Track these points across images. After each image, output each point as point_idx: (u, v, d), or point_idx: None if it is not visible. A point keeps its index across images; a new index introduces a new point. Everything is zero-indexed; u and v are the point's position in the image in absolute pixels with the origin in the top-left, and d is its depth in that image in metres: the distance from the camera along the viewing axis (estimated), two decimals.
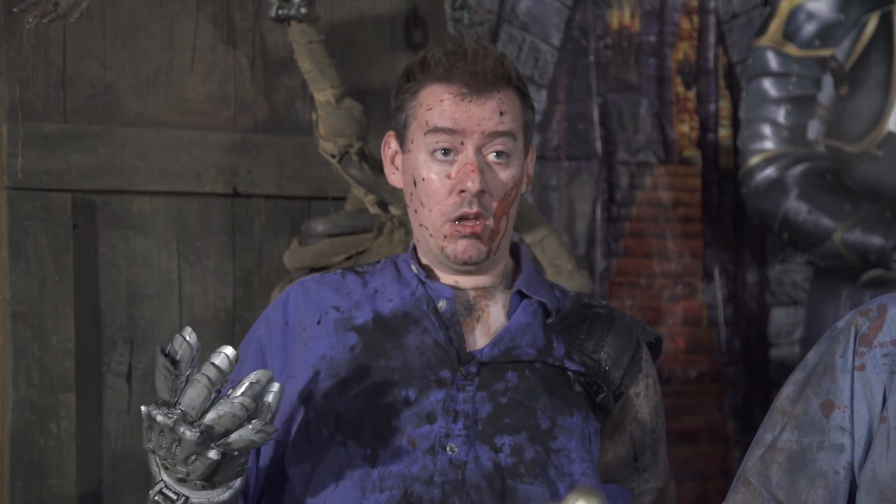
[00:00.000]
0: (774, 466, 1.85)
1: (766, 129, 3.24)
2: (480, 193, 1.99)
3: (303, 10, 2.61)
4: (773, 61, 3.23)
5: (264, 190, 2.84)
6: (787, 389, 1.90)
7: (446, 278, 2.08)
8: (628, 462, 2.07)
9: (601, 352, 2.06)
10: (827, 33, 3.23)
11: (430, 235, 2.03)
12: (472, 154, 1.99)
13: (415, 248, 2.11)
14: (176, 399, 1.77)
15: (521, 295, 2.08)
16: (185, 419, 1.76)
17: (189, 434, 1.75)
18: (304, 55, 2.66)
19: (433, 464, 1.92)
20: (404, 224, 2.70)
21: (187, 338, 1.81)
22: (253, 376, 1.79)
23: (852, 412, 1.82)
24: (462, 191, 1.99)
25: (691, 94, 3.28)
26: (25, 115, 2.62)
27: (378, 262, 2.15)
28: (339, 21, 2.92)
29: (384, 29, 2.98)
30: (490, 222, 2.01)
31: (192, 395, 1.77)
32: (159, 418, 1.76)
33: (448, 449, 1.93)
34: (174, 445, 1.76)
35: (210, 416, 1.76)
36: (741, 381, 3.27)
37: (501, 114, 2.00)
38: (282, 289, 2.71)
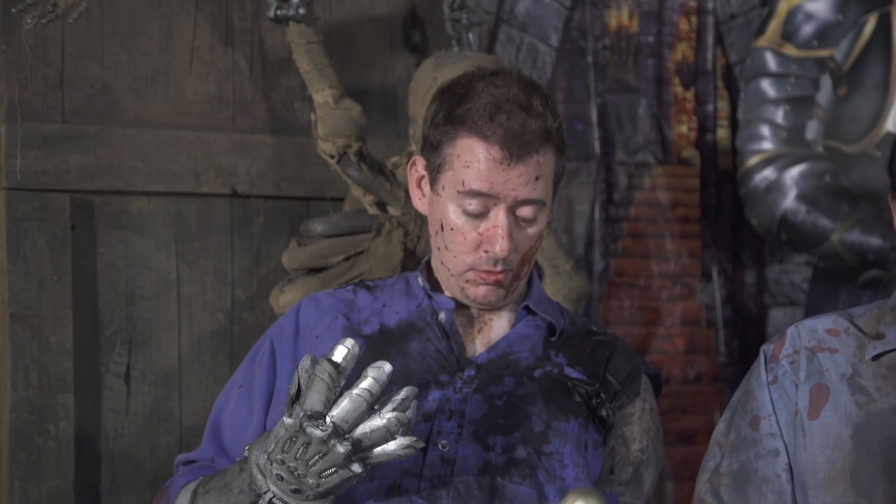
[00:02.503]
0: (723, 488, 1.96)
1: (765, 130, 3.24)
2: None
3: (301, 11, 2.61)
4: (771, 62, 3.23)
5: (263, 190, 2.84)
6: (719, 427, 2.04)
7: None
8: (603, 473, 2.06)
9: (601, 370, 2.08)
10: (825, 34, 3.23)
11: (451, 276, 2.05)
12: (503, 217, 1.98)
13: (428, 263, 2.14)
14: (328, 411, 1.74)
15: (528, 312, 2.10)
16: (337, 433, 1.73)
17: (341, 448, 1.72)
18: (303, 56, 2.66)
19: (423, 458, 1.94)
20: (403, 224, 2.70)
21: (351, 348, 1.77)
22: (405, 392, 1.77)
23: (777, 419, 1.97)
24: (487, 251, 1.99)
25: (690, 95, 3.28)
26: (24, 116, 2.62)
27: (391, 277, 2.18)
28: (337, 22, 2.92)
29: (383, 30, 2.98)
30: (513, 271, 2.03)
31: (350, 410, 1.74)
32: (314, 432, 1.72)
33: (439, 445, 1.95)
34: (316, 457, 1.74)
35: (361, 431, 1.74)
36: (739, 382, 3.27)
37: (537, 178, 1.98)
38: (281, 290, 2.71)
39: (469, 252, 2.01)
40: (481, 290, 2.03)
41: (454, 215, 2.00)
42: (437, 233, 2.05)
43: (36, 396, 2.61)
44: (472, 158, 1.97)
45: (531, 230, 2.02)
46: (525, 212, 2.00)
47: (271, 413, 2.07)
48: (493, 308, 2.10)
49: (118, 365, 2.71)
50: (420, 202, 2.09)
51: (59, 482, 2.63)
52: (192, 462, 2.12)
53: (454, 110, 1.99)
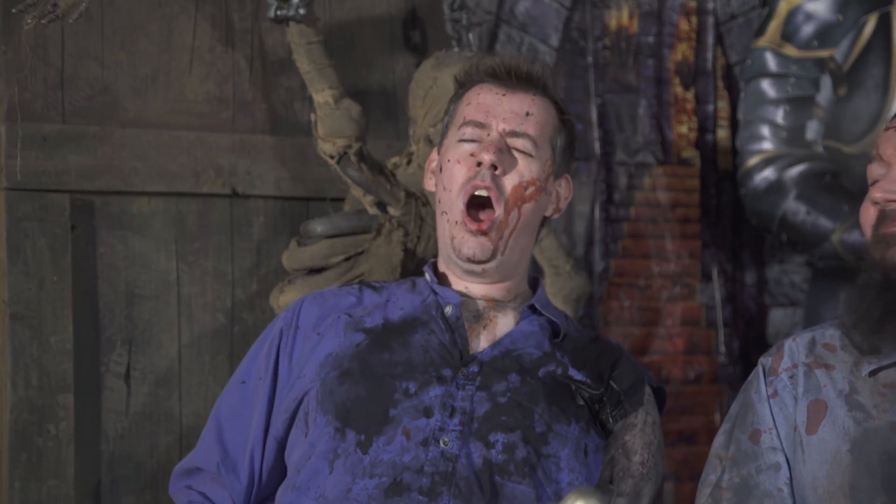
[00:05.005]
0: (724, 503, 1.95)
1: (765, 130, 3.24)
2: (493, 168, 2.06)
3: (301, 11, 2.61)
4: (771, 62, 3.23)
5: (263, 191, 2.84)
6: (719, 440, 2.03)
7: (458, 284, 2.12)
8: (602, 482, 2.06)
9: (605, 376, 2.08)
10: (825, 34, 3.23)
11: (447, 220, 2.10)
12: (494, 134, 2.09)
13: (434, 263, 2.16)
14: None
15: (533, 311, 2.11)
16: None
17: None
18: (303, 56, 2.66)
19: (425, 454, 1.94)
20: (403, 225, 2.70)
21: None
22: None
23: (778, 432, 1.96)
24: (479, 163, 2.07)
25: (690, 95, 3.28)
26: (24, 116, 2.62)
27: (395, 281, 2.22)
28: (337, 22, 2.92)
29: (383, 30, 2.98)
30: (499, 212, 2.07)
31: None
32: None
33: (441, 442, 1.95)
34: None
35: None
36: (740, 382, 3.27)
37: (528, 114, 2.10)
38: (281, 290, 2.71)
39: (462, 177, 2.08)
40: (470, 242, 2.07)
41: (453, 151, 2.11)
42: (439, 185, 2.12)
43: (36, 397, 2.61)
44: (473, 96, 2.13)
45: (522, 164, 2.09)
46: (517, 143, 2.10)
47: (273, 418, 2.07)
48: (499, 306, 2.10)
49: (118, 365, 2.71)
50: (429, 181, 2.18)
51: (59, 482, 2.63)
52: (196, 470, 2.11)
53: (464, 77, 2.18)
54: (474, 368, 2.02)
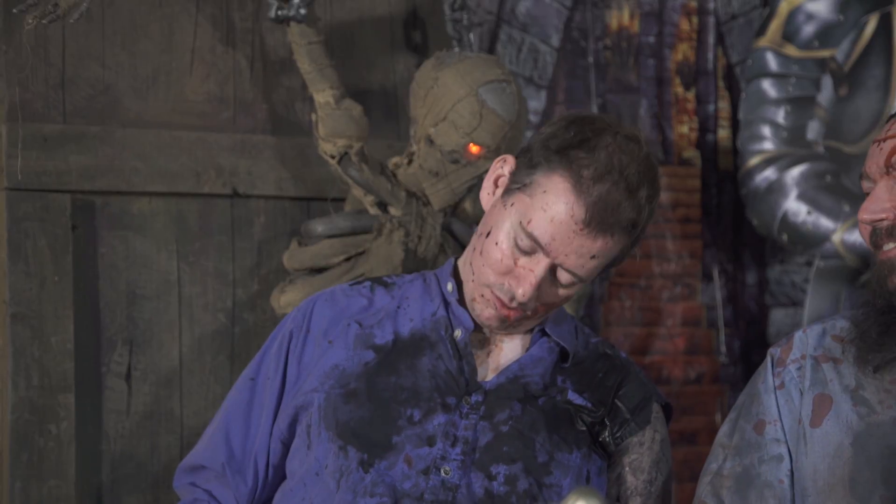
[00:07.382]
0: (724, 491, 1.96)
1: (766, 130, 3.24)
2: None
3: (302, 11, 2.61)
4: (772, 62, 3.24)
5: (264, 191, 2.84)
6: (723, 428, 2.03)
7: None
8: (609, 501, 2.06)
9: (609, 396, 2.07)
10: (826, 34, 3.23)
11: (473, 281, 2.04)
12: (542, 269, 1.98)
13: (454, 263, 2.13)
14: None
15: (543, 333, 2.09)
16: None
17: None
18: (304, 56, 2.66)
19: (425, 482, 1.94)
20: (404, 225, 2.70)
21: None
22: None
23: (782, 424, 1.96)
24: (512, 285, 1.99)
25: (690, 95, 3.28)
26: (25, 116, 2.62)
27: (409, 274, 2.18)
28: (338, 22, 2.92)
29: (383, 30, 2.98)
30: (528, 314, 2.03)
31: None
32: None
33: (442, 471, 1.94)
34: None
35: None
36: (740, 383, 3.27)
37: (592, 257, 1.98)
38: (282, 290, 2.71)
39: (496, 273, 2.00)
40: (487, 313, 2.03)
41: (504, 236, 2.00)
42: (481, 235, 2.04)
43: (37, 397, 2.61)
44: (554, 205, 1.96)
45: (562, 291, 2.02)
46: (564, 277, 2.00)
47: (279, 421, 2.06)
48: (508, 332, 2.09)
49: (119, 365, 2.71)
50: (486, 197, 2.07)
51: (60, 482, 2.63)
52: (200, 468, 2.11)
53: (570, 147, 1.98)
54: (479, 398, 2.01)
